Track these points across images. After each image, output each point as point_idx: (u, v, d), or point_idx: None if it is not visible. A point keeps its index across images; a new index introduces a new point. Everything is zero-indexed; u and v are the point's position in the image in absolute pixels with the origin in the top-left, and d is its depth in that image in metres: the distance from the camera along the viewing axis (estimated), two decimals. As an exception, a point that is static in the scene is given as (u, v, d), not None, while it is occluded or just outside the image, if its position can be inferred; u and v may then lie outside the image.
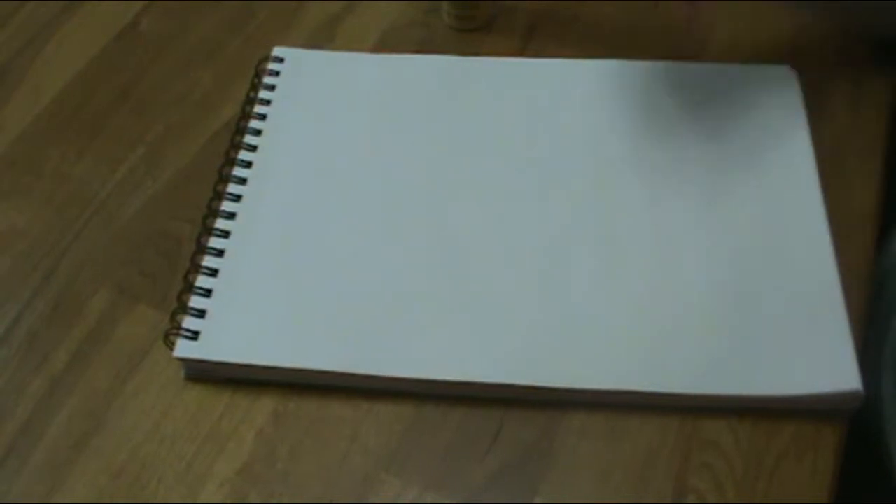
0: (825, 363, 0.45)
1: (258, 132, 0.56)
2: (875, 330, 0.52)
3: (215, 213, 0.53)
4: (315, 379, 0.47)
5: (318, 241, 0.51)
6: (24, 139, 0.59)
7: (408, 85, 0.58)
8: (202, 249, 0.51)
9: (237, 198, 0.53)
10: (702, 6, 0.58)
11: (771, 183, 0.52)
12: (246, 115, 0.58)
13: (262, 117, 0.57)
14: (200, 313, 0.49)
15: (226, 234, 0.52)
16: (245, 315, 0.49)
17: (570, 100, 0.57)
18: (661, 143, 0.54)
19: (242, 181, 0.54)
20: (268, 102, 0.58)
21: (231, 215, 0.53)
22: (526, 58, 0.59)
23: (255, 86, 0.59)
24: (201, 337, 0.48)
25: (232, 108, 0.59)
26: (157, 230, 0.54)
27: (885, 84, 0.58)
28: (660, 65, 0.58)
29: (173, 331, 0.48)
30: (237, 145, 0.56)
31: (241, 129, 0.57)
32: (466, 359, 0.47)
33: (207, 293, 0.49)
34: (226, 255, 0.51)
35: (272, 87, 0.59)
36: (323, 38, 0.63)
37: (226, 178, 0.54)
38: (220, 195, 0.54)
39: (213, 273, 0.50)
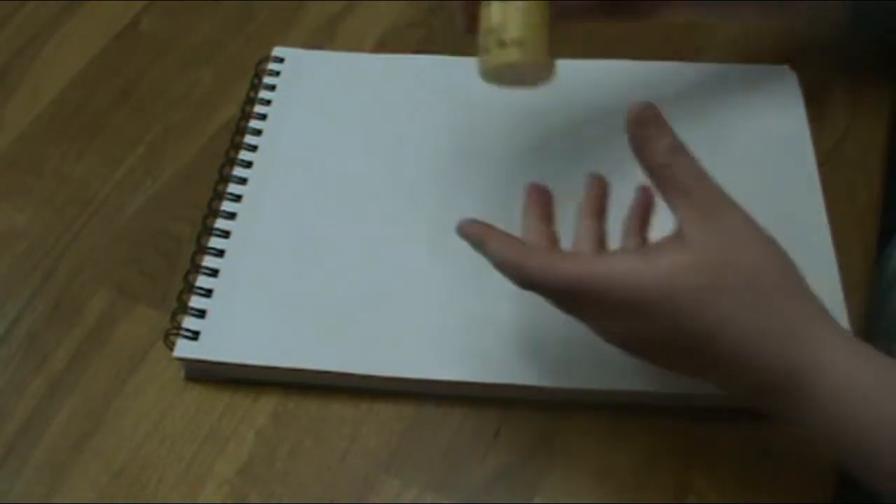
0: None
1: (258, 132, 0.56)
2: (879, 330, 0.52)
3: (215, 213, 0.53)
4: (315, 379, 0.47)
5: (319, 240, 0.51)
6: (24, 139, 0.59)
7: (408, 85, 0.58)
8: (202, 249, 0.51)
9: (237, 198, 0.53)
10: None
11: (771, 183, 0.52)
12: (246, 115, 0.58)
13: (263, 117, 0.57)
14: (200, 313, 0.49)
15: (226, 234, 0.52)
16: (245, 315, 0.49)
17: (570, 100, 0.57)
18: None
19: (242, 181, 0.54)
20: (268, 102, 0.58)
21: (231, 215, 0.53)
22: (526, 58, 0.59)
23: (255, 86, 0.59)
24: (201, 337, 0.48)
25: (232, 108, 0.59)
26: (157, 230, 0.54)
27: (885, 85, 0.58)
28: (660, 65, 0.58)
29: (173, 331, 0.48)
30: (237, 145, 0.56)
31: (242, 129, 0.57)
32: (466, 359, 0.47)
33: (207, 293, 0.49)
34: (226, 255, 0.51)
35: (272, 87, 0.59)
36: (323, 38, 0.63)
37: (226, 178, 0.54)
38: (220, 195, 0.54)
39: (213, 273, 0.50)
